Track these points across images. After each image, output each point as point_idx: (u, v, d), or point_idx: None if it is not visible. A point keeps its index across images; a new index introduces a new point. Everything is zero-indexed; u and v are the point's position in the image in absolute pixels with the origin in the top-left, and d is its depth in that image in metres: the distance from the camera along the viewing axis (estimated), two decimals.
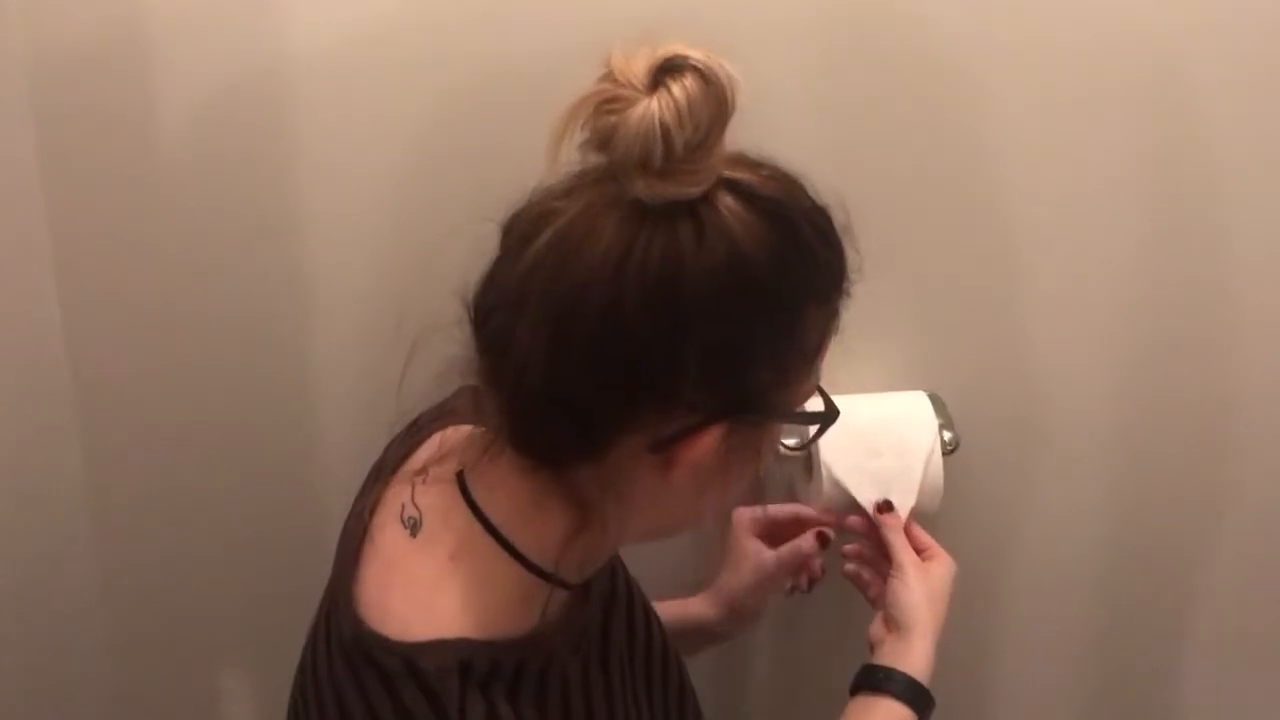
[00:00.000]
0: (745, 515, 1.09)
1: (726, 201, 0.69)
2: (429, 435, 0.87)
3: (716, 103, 0.66)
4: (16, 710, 1.06)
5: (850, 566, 1.07)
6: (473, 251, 0.75)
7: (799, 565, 1.08)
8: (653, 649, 0.93)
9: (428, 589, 0.76)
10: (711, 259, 0.68)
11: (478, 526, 0.78)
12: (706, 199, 0.69)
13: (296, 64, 0.97)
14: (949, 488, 1.10)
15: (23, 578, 1.04)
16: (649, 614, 0.95)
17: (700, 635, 1.09)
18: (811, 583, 1.10)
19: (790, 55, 1.01)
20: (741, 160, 0.72)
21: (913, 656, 0.94)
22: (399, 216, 1.03)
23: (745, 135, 0.72)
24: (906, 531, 1.03)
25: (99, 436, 1.07)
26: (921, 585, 0.98)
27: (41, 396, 1.03)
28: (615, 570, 0.93)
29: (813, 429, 0.84)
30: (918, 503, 1.06)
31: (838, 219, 0.75)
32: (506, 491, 0.77)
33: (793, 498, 1.16)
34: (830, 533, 1.06)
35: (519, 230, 0.72)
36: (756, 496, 1.15)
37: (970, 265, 1.12)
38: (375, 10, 0.98)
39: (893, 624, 0.97)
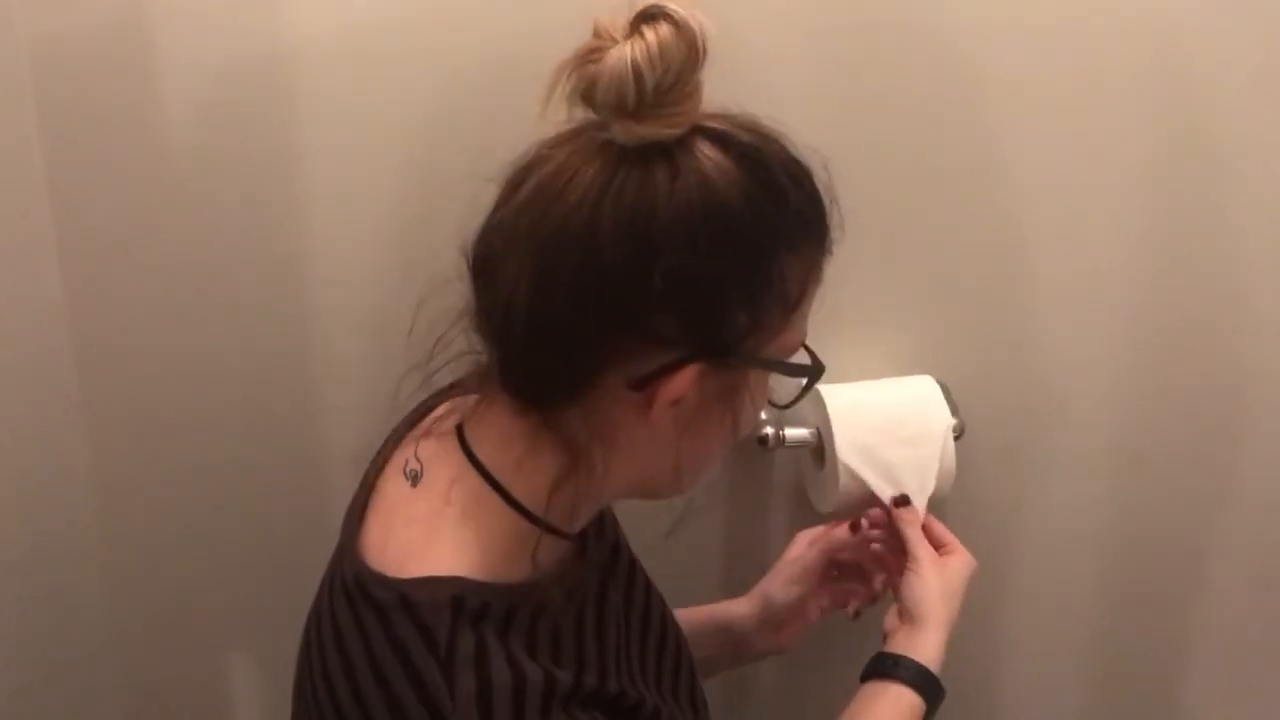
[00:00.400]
0: (806, 533, 1.10)
1: (702, 147, 0.72)
2: (436, 406, 0.89)
3: (688, 46, 0.69)
4: (17, 703, 1.05)
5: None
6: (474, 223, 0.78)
7: (838, 564, 1.08)
8: (650, 619, 0.93)
9: (424, 530, 0.78)
10: (684, 197, 0.71)
11: (472, 472, 0.80)
12: (683, 144, 0.72)
13: (297, 50, 0.98)
14: None
15: (24, 568, 1.03)
16: (649, 590, 0.96)
17: (727, 635, 1.08)
18: (860, 604, 1.09)
19: (796, 46, 1.03)
20: (721, 114, 0.75)
21: (924, 647, 0.94)
22: (402, 202, 1.04)
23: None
24: (927, 527, 1.03)
25: (103, 426, 1.07)
26: (936, 578, 0.98)
27: (45, 386, 1.02)
28: (619, 547, 0.94)
29: (799, 388, 0.85)
30: (935, 489, 1.06)
31: (820, 177, 0.77)
32: (500, 437, 0.80)
33: (802, 487, 1.16)
34: (864, 522, 1.07)
35: (511, 179, 0.76)
36: (766, 490, 1.16)
37: (975, 254, 1.12)
38: None
39: (906, 615, 0.97)
